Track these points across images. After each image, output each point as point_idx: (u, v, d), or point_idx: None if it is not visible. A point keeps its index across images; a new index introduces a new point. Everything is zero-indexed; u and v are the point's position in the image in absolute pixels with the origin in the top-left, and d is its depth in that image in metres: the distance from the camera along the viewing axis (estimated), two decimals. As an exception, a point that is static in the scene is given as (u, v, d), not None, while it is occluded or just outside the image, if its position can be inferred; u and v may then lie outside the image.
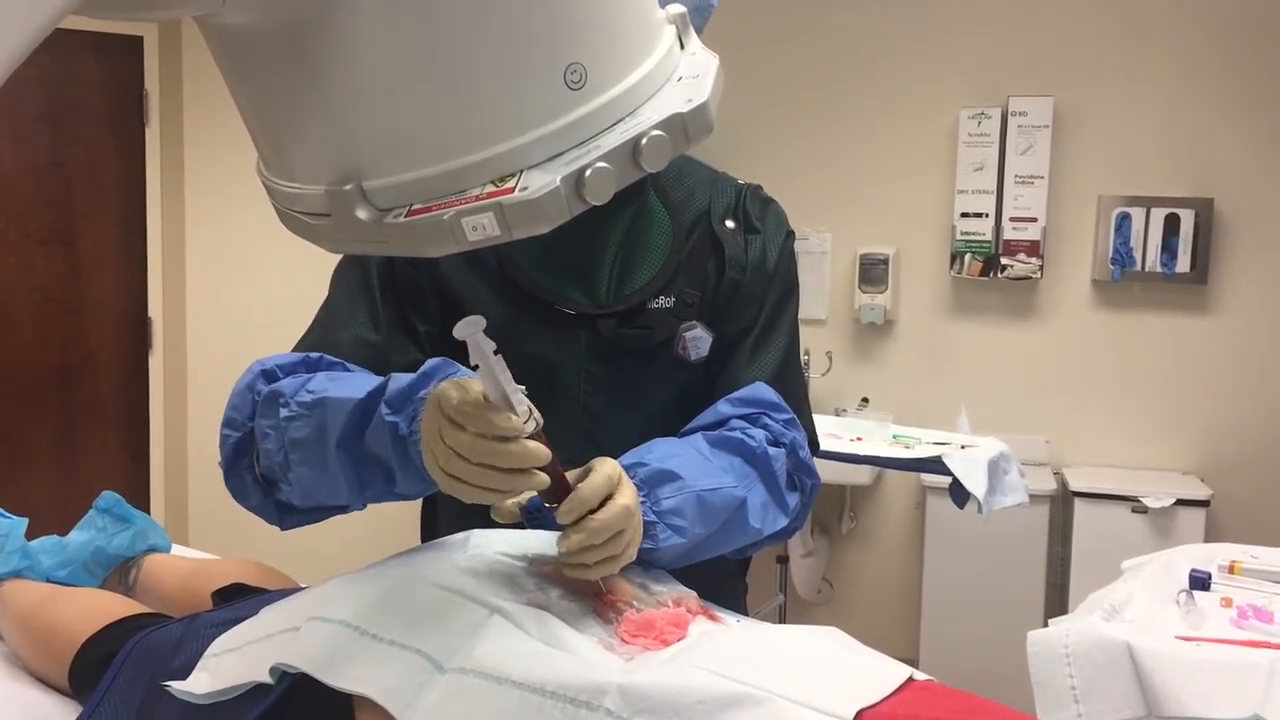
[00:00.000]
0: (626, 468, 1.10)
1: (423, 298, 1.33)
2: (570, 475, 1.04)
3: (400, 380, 1.06)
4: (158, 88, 4.13)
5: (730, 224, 1.39)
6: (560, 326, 1.32)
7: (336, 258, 1.38)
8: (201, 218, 4.33)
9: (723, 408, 1.30)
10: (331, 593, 1.10)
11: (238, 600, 1.37)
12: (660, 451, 1.17)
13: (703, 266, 1.36)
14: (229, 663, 1.11)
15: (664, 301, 1.33)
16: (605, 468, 1.06)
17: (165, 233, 4.24)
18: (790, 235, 1.44)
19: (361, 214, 0.81)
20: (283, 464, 1.13)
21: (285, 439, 1.12)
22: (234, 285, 4.34)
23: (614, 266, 1.34)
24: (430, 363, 1.07)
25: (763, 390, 1.32)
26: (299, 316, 4.57)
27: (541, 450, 0.97)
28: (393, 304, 1.32)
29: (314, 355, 1.23)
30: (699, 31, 1.29)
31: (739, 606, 1.47)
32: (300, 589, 1.34)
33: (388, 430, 1.04)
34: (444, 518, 1.44)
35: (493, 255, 1.31)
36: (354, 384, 1.11)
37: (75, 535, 1.80)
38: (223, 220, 4.28)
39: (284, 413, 1.12)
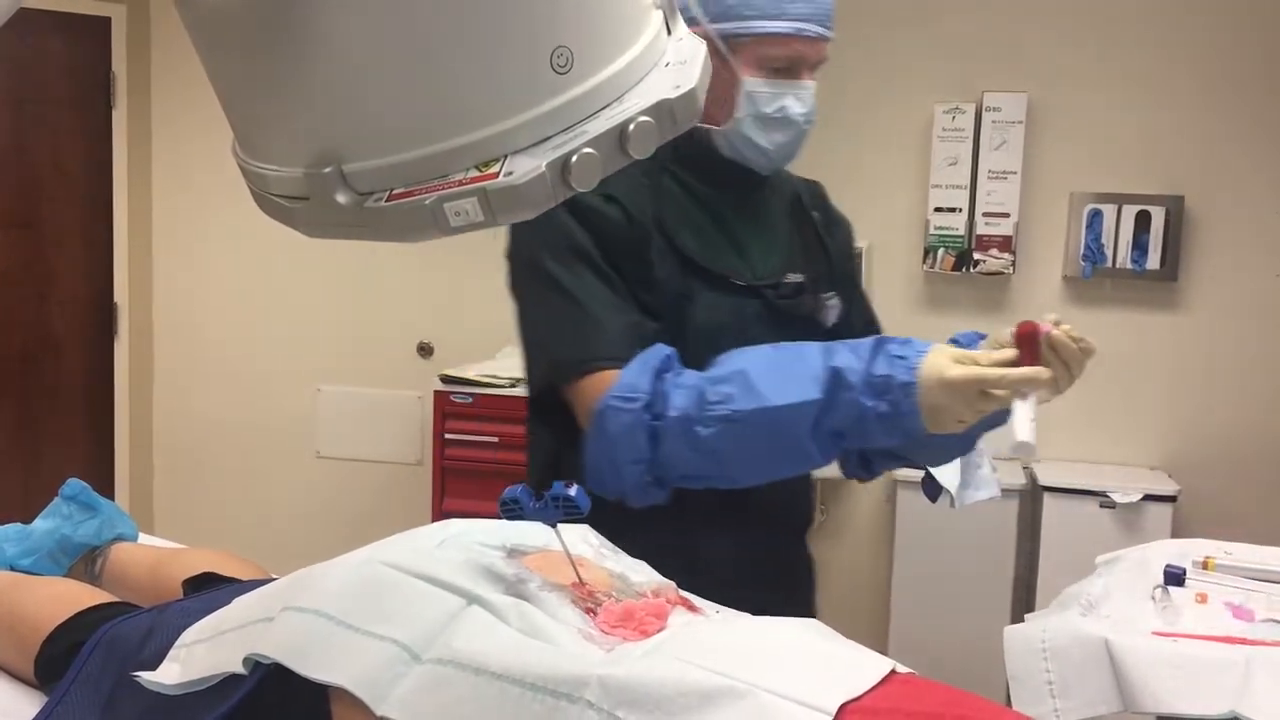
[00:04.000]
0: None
1: (641, 268, 1.44)
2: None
3: (853, 371, 1.23)
4: (125, 69, 4.08)
5: (816, 214, 1.63)
6: (731, 297, 1.48)
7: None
8: (169, 202, 4.28)
9: None
10: (306, 582, 1.09)
11: (209, 589, 1.35)
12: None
13: (814, 247, 1.59)
14: (200, 653, 1.09)
15: (794, 277, 1.54)
16: None
17: (132, 217, 4.18)
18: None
19: (341, 198, 0.79)
20: (712, 471, 1.30)
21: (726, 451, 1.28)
22: (202, 271, 4.29)
23: (761, 245, 1.54)
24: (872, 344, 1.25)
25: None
26: (267, 302, 4.55)
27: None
28: (623, 282, 1.44)
29: (657, 360, 1.33)
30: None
31: (812, 595, 1.67)
32: (272, 579, 1.32)
33: (880, 411, 1.23)
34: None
35: (660, 233, 1.45)
36: (779, 390, 1.26)
37: (40, 523, 1.77)
38: (190, 205, 4.23)
39: (705, 432, 1.27)
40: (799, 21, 1.44)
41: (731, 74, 1.43)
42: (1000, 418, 1.36)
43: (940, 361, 1.23)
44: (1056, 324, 1.26)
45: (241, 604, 1.13)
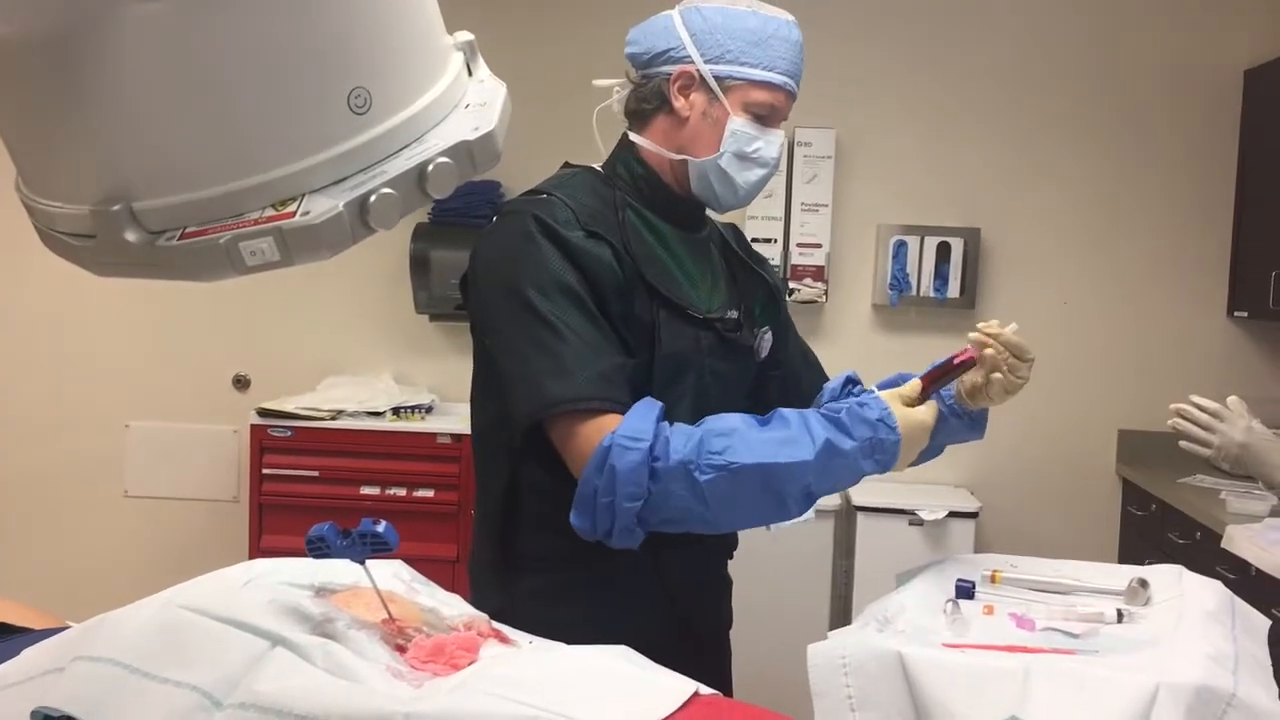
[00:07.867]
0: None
1: (625, 304, 1.52)
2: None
3: (843, 440, 1.41)
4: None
5: (741, 253, 1.77)
6: (690, 328, 1.59)
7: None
8: (-40, 230, 4.04)
9: (835, 384, 1.74)
10: (100, 629, 1.05)
11: (-4, 641, 1.28)
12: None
13: (744, 285, 1.73)
14: (-17, 709, 1.04)
15: (732, 313, 1.67)
16: None
17: (-82, 246, 3.93)
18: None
19: (130, 236, 0.78)
20: (697, 514, 1.39)
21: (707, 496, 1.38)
22: (-3, 303, 4.07)
23: (707, 282, 1.66)
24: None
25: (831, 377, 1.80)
26: (70, 334, 4.33)
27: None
28: (609, 321, 1.50)
29: (656, 409, 1.42)
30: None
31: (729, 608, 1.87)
32: (68, 627, 1.27)
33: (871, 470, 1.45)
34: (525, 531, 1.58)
35: (634, 267, 1.53)
36: (775, 450, 1.39)
37: None
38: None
39: (703, 477, 1.37)
40: (784, 75, 1.58)
41: (721, 112, 1.56)
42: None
43: (912, 413, 1.47)
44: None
45: (30, 655, 1.08)
